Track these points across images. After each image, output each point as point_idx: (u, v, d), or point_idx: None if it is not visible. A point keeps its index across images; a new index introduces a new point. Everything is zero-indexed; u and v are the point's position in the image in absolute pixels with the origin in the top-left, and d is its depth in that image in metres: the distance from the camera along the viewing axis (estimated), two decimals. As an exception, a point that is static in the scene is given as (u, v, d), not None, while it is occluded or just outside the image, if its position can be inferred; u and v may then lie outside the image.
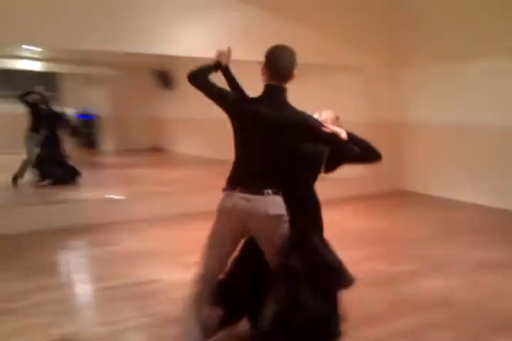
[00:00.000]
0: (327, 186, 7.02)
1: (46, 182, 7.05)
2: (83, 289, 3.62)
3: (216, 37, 5.35)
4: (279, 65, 2.28)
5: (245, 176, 2.32)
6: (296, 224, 2.33)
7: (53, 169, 7.09)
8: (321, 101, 7.54)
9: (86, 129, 10.09)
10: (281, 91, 2.30)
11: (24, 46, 7.23)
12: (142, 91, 12.63)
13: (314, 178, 2.56)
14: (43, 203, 5.83)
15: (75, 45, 5.06)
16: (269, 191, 2.27)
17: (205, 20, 5.49)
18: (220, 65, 2.46)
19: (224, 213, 2.36)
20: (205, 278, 2.41)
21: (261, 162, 2.30)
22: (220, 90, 2.34)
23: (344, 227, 5.14)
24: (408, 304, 3.19)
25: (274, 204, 2.29)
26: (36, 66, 10.65)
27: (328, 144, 2.36)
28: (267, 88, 2.31)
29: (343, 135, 2.24)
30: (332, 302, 2.36)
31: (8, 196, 6.69)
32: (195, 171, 9.25)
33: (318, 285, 2.26)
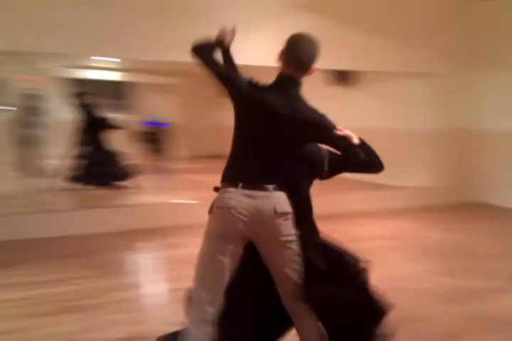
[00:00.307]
0: (397, 195, 6.83)
1: (89, 184, 7.09)
2: (155, 289, 3.75)
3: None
4: (299, 52, 2.04)
5: (246, 171, 2.06)
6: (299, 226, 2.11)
7: (98, 171, 7.09)
8: (386, 110, 7.41)
9: (157, 136, 10.44)
10: (296, 84, 2.07)
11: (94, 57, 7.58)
12: (210, 100, 12.95)
13: (311, 182, 2.31)
14: (112, 206, 6.08)
15: (151, 56, 5.30)
16: (273, 186, 2.04)
17: (272, 29, 5.54)
18: (222, 44, 2.19)
19: (224, 214, 2.03)
20: (195, 306, 2.09)
21: (264, 156, 2.06)
22: (229, 70, 2.13)
23: (415, 239, 4.97)
24: (488, 321, 3.03)
25: (281, 200, 2.06)
26: (108, 76, 11.18)
27: (337, 147, 2.13)
28: (281, 78, 2.07)
29: (355, 140, 2.08)
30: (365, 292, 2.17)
31: (72, 198, 6.89)
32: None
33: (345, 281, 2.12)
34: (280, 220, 2.03)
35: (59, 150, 7.33)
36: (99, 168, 7.08)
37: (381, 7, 6.17)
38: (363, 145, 2.13)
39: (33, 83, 9.68)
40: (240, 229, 2.03)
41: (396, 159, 6.97)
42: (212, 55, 2.13)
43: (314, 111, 2.06)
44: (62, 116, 8.81)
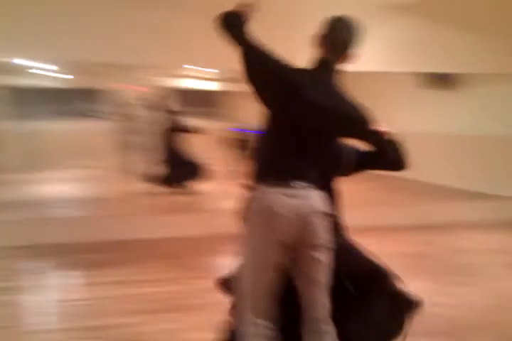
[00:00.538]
0: (503, 206, 6.35)
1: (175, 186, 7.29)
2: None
3: (387, 50, 5.20)
4: (335, 35, 1.90)
5: (281, 168, 1.87)
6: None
7: (179, 173, 7.30)
8: (487, 114, 6.96)
9: (246, 143, 10.66)
10: (332, 70, 1.92)
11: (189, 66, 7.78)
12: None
13: (337, 179, 2.16)
14: (209, 210, 6.22)
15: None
16: (311, 184, 1.86)
17: (372, 33, 5.42)
18: (240, 19, 1.91)
19: (267, 218, 1.81)
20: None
21: (299, 151, 1.87)
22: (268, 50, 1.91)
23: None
24: None
25: (322, 200, 1.90)
26: (202, 85, 11.47)
27: (368, 141, 2.00)
28: (317, 62, 1.92)
29: (388, 135, 1.97)
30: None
31: (170, 202, 7.00)
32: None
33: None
34: (319, 221, 1.87)
35: (155, 156, 7.71)
36: (179, 170, 7.31)
37: (483, 7, 5.83)
38: (394, 141, 2.02)
39: (132, 92, 10.31)
40: (287, 234, 1.83)
41: (500, 167, 6.56)
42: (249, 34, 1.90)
43: (355, 103, 1.91)
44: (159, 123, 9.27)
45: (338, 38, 1.90)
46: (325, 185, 1.97)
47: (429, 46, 5.32)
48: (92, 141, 9.64)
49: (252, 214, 1.86)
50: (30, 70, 8.47)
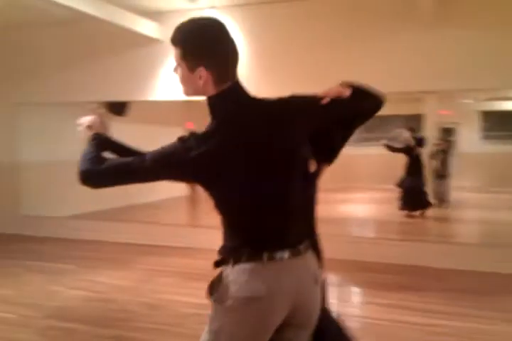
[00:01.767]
0: None
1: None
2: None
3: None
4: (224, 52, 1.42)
5: (268, 231, 1.42)
6: None
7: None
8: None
9: None
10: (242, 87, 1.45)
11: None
12: None
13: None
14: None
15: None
16: (306, 244, 1.48)
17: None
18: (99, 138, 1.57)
19: (255, 308, 1.34)
20: None
21: (295, 196, 1.45)
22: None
23: None
24: None
25: (314, 261, 1.52)
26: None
27: (340, 110, 1.55)
28: (227, 95, 1.41)
29: (347, 92, 1.52)
30: None
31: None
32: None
33: None
34: (318, 288, 1.51)
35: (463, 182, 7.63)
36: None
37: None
38: (356, 88, 1.59)
39: (449, 117, 9.43)
40: (279, 320, 1.41)
41: None
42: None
43: (282, 100, 1.47)
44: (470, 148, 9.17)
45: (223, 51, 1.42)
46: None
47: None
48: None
49: (235, 303, 1.36)
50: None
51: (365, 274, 4.55)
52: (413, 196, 6.84)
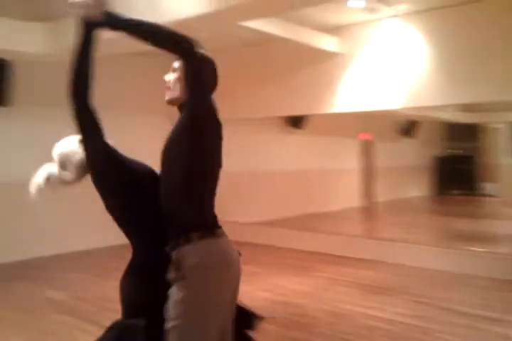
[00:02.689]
0: None
1: None
2: None
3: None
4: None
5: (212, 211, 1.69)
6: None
7: None
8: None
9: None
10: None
11: None
12: None
13: None
14: None
15: None
16: None
17: None
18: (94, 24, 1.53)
19: (228, 271, 1.55)
20: None
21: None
22: None
23: None
24: None
25: None
26: None
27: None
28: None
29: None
30: None
31: None
32: None
33: None
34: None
35: None
36: None
37: None
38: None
39: None
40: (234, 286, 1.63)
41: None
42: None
43: None
44: None
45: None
46: None
47: None
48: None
49: (214, 266, 1.51)
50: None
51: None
52: None
